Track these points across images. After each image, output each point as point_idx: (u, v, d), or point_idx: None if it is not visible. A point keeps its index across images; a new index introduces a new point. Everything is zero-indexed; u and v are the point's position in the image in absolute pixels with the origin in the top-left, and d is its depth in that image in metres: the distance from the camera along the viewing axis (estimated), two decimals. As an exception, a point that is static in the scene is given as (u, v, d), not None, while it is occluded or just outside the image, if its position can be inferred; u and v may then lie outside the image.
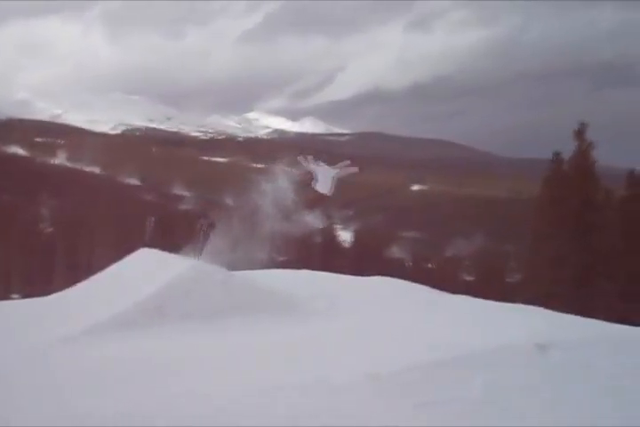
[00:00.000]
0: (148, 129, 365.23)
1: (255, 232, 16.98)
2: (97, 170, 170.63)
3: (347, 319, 12.77)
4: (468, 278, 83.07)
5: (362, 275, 22.26)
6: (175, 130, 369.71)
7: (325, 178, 17.68)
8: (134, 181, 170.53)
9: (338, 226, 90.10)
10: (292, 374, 8.27)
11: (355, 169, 17.77)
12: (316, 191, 17.30)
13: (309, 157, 17.39)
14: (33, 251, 66.98)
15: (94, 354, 9.94)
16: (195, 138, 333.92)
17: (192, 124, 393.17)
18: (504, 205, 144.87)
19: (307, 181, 17.75)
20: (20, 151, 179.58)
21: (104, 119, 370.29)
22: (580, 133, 34.65)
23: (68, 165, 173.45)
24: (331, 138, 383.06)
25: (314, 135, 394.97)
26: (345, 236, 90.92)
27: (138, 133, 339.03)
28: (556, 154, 35.95)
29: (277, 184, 17.64)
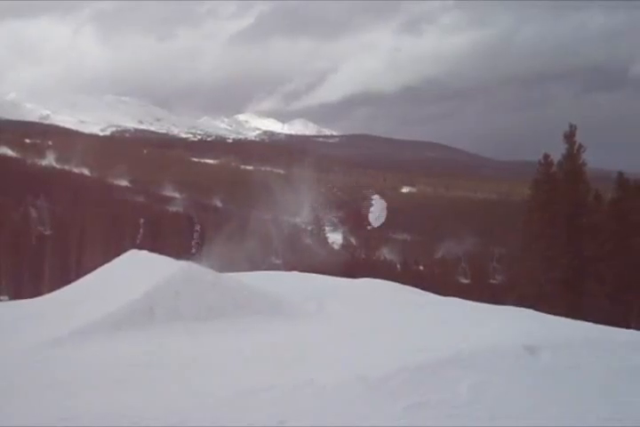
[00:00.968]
0: (137, 130, 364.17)
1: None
2: (86, 171, 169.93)
3: (336, 321, 12.79)
4: (462, 280, 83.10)
5: (351, 277, 22.30)
6: (165, 131, 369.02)
7: (378, 210, 18.47)
8: (124, 183, 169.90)
9: (328, 228, 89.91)
10: (281, 376, 8.29)
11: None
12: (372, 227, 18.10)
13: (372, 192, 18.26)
14: (22, 252, 66.70)
15: (84, 355, 9.94)
16: (185, 139, 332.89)
17: (182, 126, 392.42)
18: (494, 208, 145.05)
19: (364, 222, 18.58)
20: (9, 152, 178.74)
21: (94, 120, 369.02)
22: (569, 136, 34.73)
23: (57, 166, 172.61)
24: (321, 140, 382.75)
25: (304, 137, 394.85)
26: (335, 238, 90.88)
27: (127, 135, 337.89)
28: (546, 156, 36.02)
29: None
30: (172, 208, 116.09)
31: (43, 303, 14.76)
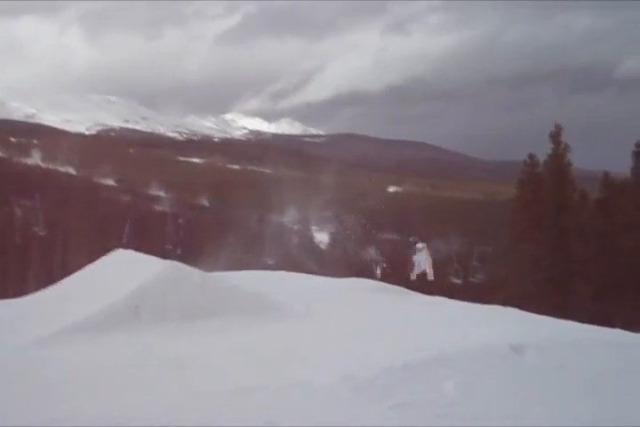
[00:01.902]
0: (123, 129, 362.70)
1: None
2: (72, 170, 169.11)
3: (323, 321, 12.78)
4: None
5: (338, 276, 22.30)
6: (151, 130, 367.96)
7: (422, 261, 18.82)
8: (110, 182, 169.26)
9: (314, 227, 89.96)
10: (269, 376, 8.27)
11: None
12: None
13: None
14: (6, 251, 66.31)
15: (68, 355, 9.88)
16: (171, 138, 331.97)
17: (168, 125, 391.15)
18: (481, 208, 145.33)
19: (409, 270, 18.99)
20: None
21: (79, 119, 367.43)
22: (555, 136, 34.82)
23: (43, 165, 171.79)
24: (307, 139, 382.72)
25: (291, 136, 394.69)
26: (321, 237, 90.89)
27: (113, 134, 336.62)
28: (531, 156, 36.11)
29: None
30: (159, 207, 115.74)
31: (27, 303, 14.68)
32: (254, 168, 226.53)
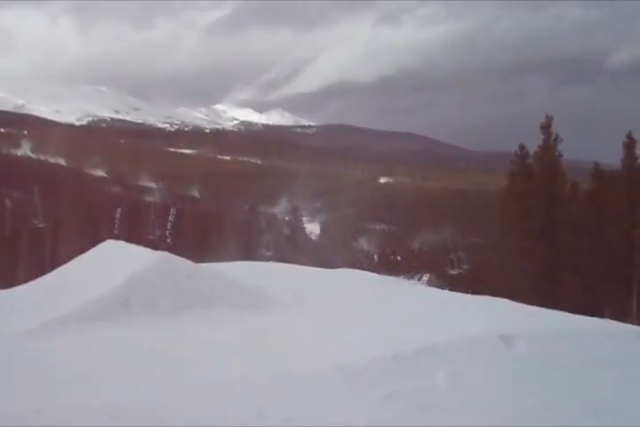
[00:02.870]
0: (114, 120, 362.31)
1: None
2: (62, 161, 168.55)
3: (313, 311, 12.80)
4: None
5: (329, 267, 22.33)
6: (142, 121, 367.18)
7: None
8: (100, 173, 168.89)
9: (305, 218, 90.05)
10: (259, 367, 8.27)
11: None
12: None
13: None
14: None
15: (57, 347, 9.85)
16: (162, 129, 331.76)
17: (159, 116, 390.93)
18: (471, 199, 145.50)
19: None
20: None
21: (69, 110, 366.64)
22: (546, 127, 34.71)
23: (33, 156, 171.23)
24: (298, 130, 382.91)
25: (281, 127, 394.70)
26: (312, 228, 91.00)
27: (104, 125, 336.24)
28: (521, 147, 36.04)
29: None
30: (149, 198, 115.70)
31: (17, 294, 14.63)
32: (245, 159, 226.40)
